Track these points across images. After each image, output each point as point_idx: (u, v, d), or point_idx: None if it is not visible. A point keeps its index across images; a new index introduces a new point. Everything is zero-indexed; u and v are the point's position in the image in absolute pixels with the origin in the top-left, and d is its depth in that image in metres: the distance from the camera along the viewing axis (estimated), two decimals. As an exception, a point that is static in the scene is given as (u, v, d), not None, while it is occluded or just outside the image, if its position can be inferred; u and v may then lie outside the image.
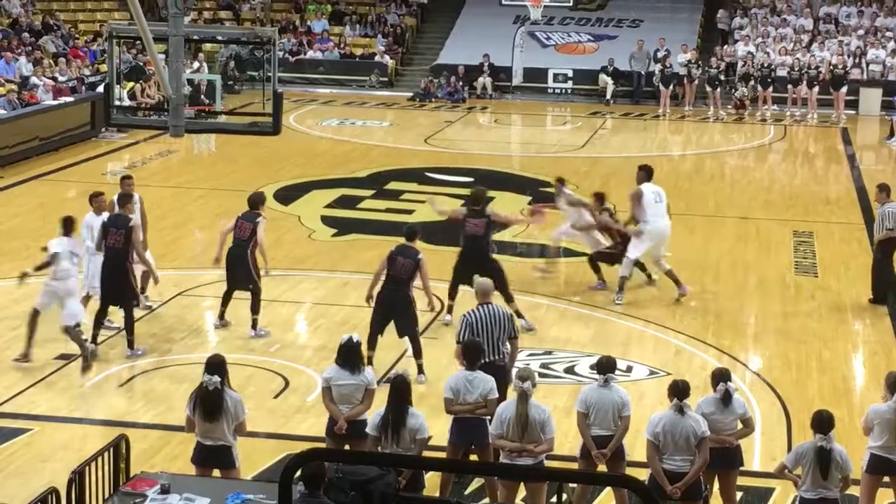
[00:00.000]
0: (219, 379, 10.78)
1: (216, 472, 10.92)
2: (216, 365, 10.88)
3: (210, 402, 10.76)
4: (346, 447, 11.27)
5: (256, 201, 16.33)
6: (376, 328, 14.69)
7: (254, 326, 16.16)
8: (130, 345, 15.36)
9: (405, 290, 14.59)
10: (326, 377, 11.52)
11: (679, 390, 10.67)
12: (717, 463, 10.86)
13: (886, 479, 11.23)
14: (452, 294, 16.59)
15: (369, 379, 11.52)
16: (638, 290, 18.50)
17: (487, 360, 12.23)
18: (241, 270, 16.03)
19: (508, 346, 12.67)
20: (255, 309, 16.16)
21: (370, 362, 14.41)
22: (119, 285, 15.22)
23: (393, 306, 14.59)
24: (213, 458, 10.91)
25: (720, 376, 11.10)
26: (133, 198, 15.98)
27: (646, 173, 17.94)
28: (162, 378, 14.86)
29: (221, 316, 16.39)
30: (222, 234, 16.28)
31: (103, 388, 14.53)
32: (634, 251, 17.68)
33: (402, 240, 15.04)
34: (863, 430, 11.23)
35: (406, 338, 14.83)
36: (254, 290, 16.09)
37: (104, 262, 15.30)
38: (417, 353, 14.75)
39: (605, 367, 11.26)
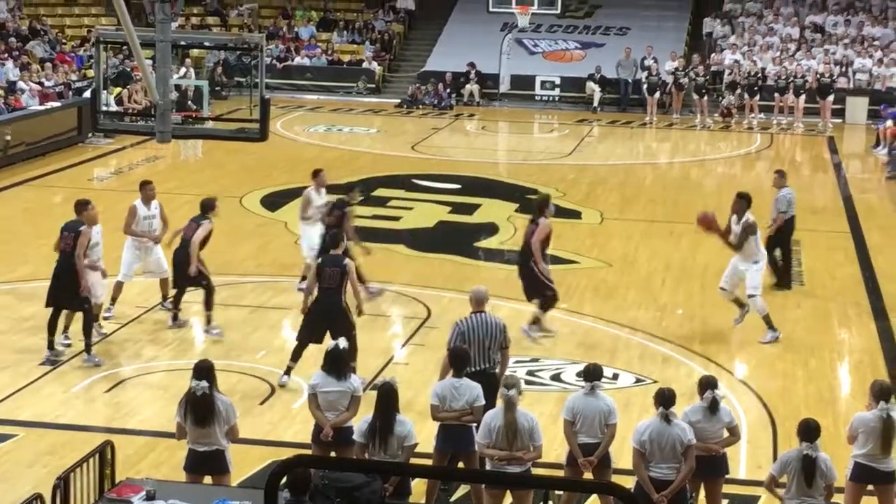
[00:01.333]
0: (207, 384, 10.76)
1: (207, 479, 10.89)
2: (204, 370, 10.86)
3: (200, 408, 10.73)
4: (332, 454, 11.26)
5: (207, 206, 16.47)
6: (305, 339, 14.54)
7: (208, 322, 16.28)
8: (87, 349, 15.26)
9: (337, 299, 14.31)
10: (312, 384, 11.50)
11: (665, 398, 10.67)
12: (703, 471, 10.87)
13: (870, 487, 11.25)
14: None
15: (355, 386, 11.51)
16: (623, 297, 18.52)
17: (478, 368, 12.23)
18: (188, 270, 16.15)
19: (500, 355, 12.65)
20: (208, 305, 16.26)
21: (288, 373, 14.56)
22: (68, 289, 15.17)
23: (327, 315, 14.37)
24: (207, 464, 10.86)
25: (707, 384, 11.11)
26: (90, 205, 15.66)
27: (747, 202, 16.82)
28: (147, 384, 14.83)
29: (175, 317, 16.55)
30: (174, 233, 16.61)
31: (88, 394, 14.48)
32: (758, 287, 16.76)
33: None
34: (847, 438, 11.25)
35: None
36: (207, 286, 16.19)
37: (56, 265, 15.32)
38: (352, 357, 14.63)
39: (592, 374, 11.27)
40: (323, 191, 18.11)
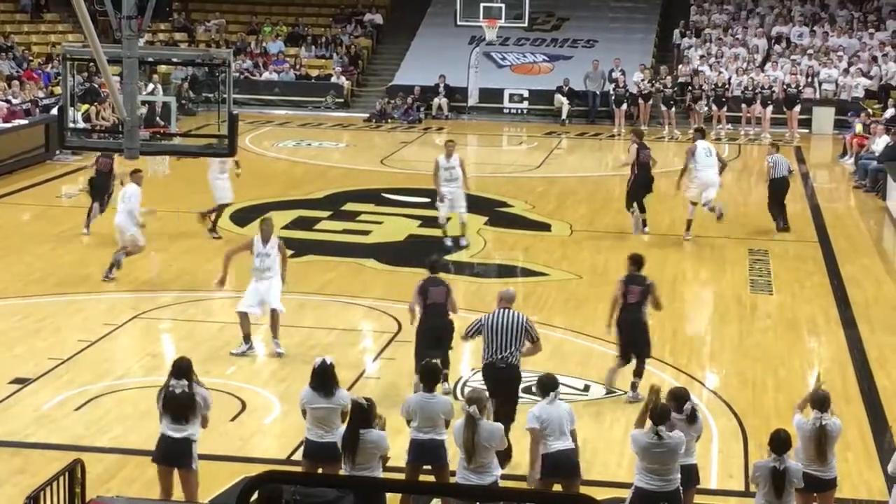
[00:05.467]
0: (186, 382, 10.84)
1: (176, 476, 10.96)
2: (184, 369, 10.96)
3: (180, 406, 10.83)
4: (320, 470, 11.23)
5: None
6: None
7: None
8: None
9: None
10: (302, 402, 11.52)
11: (662, 415, 10.70)
12: (675, 482, 10.90)
13: (816, 494, 11.22)
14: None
15: (344, 402, 11.47)
16: (594, 308, 18.53)
17: (492, 359, 12.87)
18: None
19: (525, 348, 13.17)
20: None
21: (445, 379, 14.38)
22: None
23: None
24: (174, 457, 10.98)
25: (682, 397, 11.15)
26: None
27: (701, 133, 23.73)
28: (118, 401, 14.76)
29: None
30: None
31: (59, 412, 14.41)
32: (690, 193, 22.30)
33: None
34: None
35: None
36: None
37: None
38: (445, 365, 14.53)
39: (550, 386, 11.41)
40: (455, 156, 21.50)
